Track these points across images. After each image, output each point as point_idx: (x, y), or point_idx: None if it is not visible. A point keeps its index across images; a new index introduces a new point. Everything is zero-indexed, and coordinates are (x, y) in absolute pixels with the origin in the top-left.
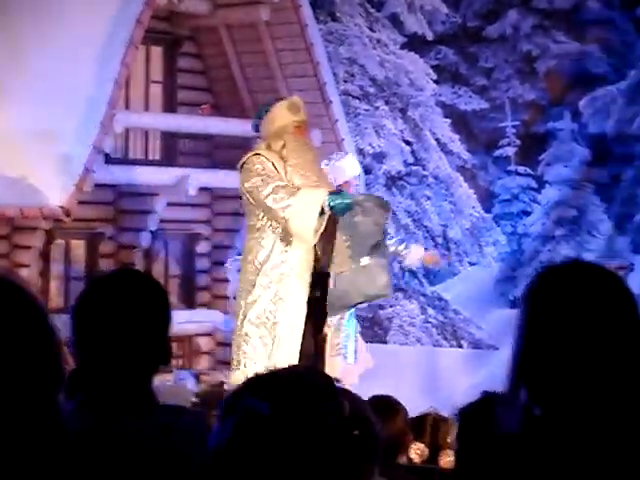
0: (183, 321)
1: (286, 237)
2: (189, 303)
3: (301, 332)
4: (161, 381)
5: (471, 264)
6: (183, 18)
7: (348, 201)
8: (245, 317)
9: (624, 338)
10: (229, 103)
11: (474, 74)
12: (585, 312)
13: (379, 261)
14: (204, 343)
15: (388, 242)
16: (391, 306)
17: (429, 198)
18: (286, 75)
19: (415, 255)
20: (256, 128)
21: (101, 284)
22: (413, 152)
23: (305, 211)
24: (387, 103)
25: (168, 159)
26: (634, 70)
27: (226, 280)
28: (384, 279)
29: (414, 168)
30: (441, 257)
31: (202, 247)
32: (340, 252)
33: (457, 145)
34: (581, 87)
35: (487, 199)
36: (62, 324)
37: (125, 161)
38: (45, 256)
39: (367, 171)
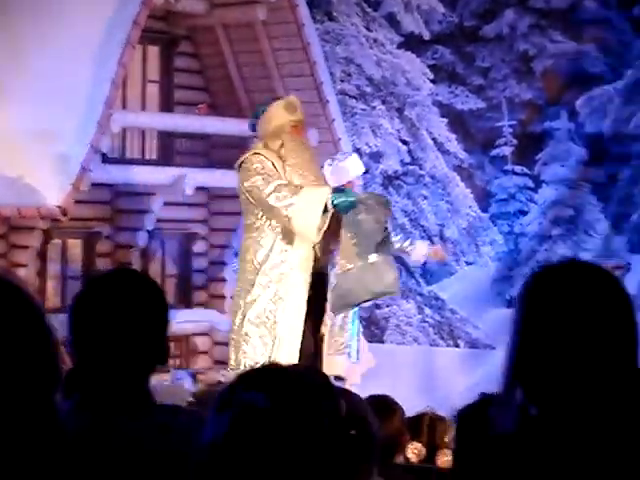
0: (180, 321)
1: (287, 236)
2: (186, 302)
3: (301, 331)
4: (158, 381)
5: (468, 263)
6: (180, 18)
7: (352, 199)
8: (244, 317)
9: (619, 337)
10: (226, 102)
11: (471, 74)
12: (580, 312)
13: (386, 258)
14: (201, 343)
15: (393, 239)
16: (388, 306)
17: (426, 197)
18: (283, 75)
19: (420, 251)
20: (253, 127)
21: (98, 284)
22: (410, 151)
23: (309, 209)
24: (384, 103)
25: (165, 158)
26: (631, 70)
27: (223, 279)
28: (392, 276)
29: (411, 167)
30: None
31: (199, 246)
32: (346, 249)
33: (454, 145)
34: (578, 87)
35: (484, 198)
36: (59, 323)
37: (122, 160)
38: (42, 256)
39: (364, 171)
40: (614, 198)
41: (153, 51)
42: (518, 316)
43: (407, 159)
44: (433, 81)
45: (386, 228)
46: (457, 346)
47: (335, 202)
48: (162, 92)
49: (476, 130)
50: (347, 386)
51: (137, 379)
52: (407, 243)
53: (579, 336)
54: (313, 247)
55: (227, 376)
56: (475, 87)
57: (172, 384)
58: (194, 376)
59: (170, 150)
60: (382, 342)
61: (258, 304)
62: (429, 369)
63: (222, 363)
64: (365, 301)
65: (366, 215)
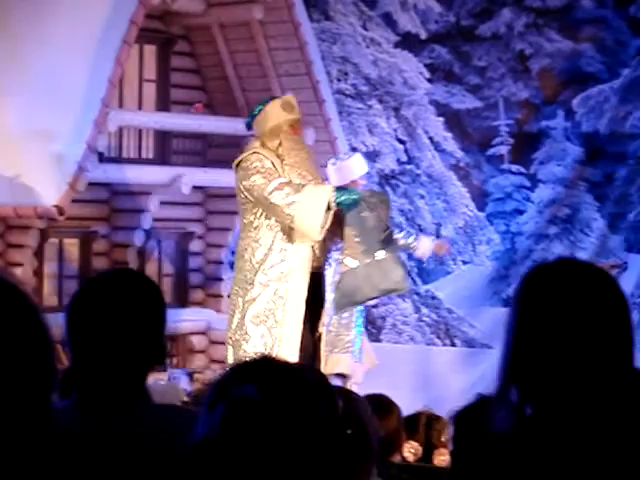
0: (176, 320)
1: (287, 235)
2: (182, 302)
3: (301, 330)
4: (154, 380)
5: (464, 263)
6: (176, 17)
7: (355, 197)
8: (244, 316)
9: (614, 336)
10: (222, 102)
11: (467, 73)
12: (575, 311)
13: (394, 255)
14: (197, 342)
15: (397, 236)
16: (384, 305)
17: (422, 197)
18: (279, 74)
19: (425, 246)
20: (249, 126)
21: (96, 283)
22: (406, 151)
23: (312, 207)
24: (380, 102)
25: (161, 158)
26: (627, 69)
27: (220, 279)
28: (400, 273)
29: (407, 167)
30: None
31: (195, 246)
32: (351, 247)
33: (450, 144)
34: (574, 86)
35: (480, 198)
36: (56, 323)
37: (119, 160)
38: (39, 255)
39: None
40: (610, 197)
41: (150, 50)
42: (513, 315)
43: (404, 158)
44: (430, 80)
45: (387, 226)
46: (454, 345)
47: (338, 200)
48: (159, 91)
49: (473, 129)
50: (350, 384)
51: (134, 378)
52: (411, 239)
53: (574, 335)
54: (312, 246)
55: None
56: (472, 86)
57: (167, 383)
58: (191, 375)
59: (167, 149)
60: (379, 341)
61: (258, 303)
62: (426, 368)
63: (219, 362)
64: (371, 299)
65: (369, 213)
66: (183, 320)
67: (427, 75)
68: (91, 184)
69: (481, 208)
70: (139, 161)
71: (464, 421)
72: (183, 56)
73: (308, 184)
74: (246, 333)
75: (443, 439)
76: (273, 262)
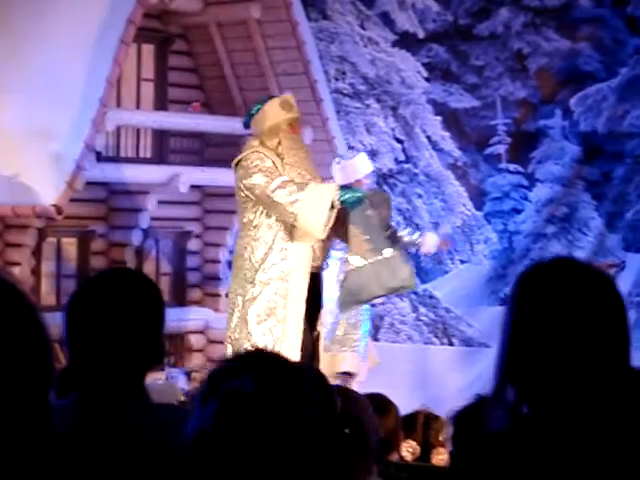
0: (174, 319)
1: (287, 233)
2: (180, 301)
3: (302, 329)
4: (152, 379)
5: (462, 262)
6: (174, 16)
7: (359, 195)
8: (245, 315)
9: (610, 335)
10: (220, 101)
11: (465, 72)
12: (571, 310)
13: (401, 253)
14: (195, 341)
15: (401, 233)
16: (382, 304)
17: (420, 196)
18: (277, 73)
19: (431, 242)
20: (246, 125)
21: (95, 282)
22: (404, 150)
23: (316, 206)
24: (378, 101)
25: (159, 157)
26: (625, 68)
27: (217, 278)
28: (408, 270)
29: (405, 166)
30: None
31: (193, 245)
32: (356, 246)
33: (448, 143)
34: (572, 85)
35: (478, 197)
36: (54, 322)
37: (116, 159)
38: (37, 254)
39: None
40: (608, 196)
41: (148, 49)
42: (509, 315)
43: (401, 157)
44: (427, 79)
45: (390, 224)
46: (451, 344)
47: (342, 198)
48: (156, 90)
49: (470, 128)
50: (354, 382)
51: (133, 378)
52: (416, 235)
53: (570, 334)
54: (312, 245)
55: None
56: (469, 85)
57: (164, 382)
58: (188, 374)
59: (164, 148)
60: (376, 340)
61: (258, 302)
62: (423, 367)
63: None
64: (378, 297)
65: (373, 211)
66: (181, 319)
67: (425, 74)
68: (89, 183)
69: (479, 207)
70: (137, 160)
71: (463, 421)
72: (181, 55)
73: (311, 182)
74: (248, 332)
75: (441, 438)
76: (274, 261)
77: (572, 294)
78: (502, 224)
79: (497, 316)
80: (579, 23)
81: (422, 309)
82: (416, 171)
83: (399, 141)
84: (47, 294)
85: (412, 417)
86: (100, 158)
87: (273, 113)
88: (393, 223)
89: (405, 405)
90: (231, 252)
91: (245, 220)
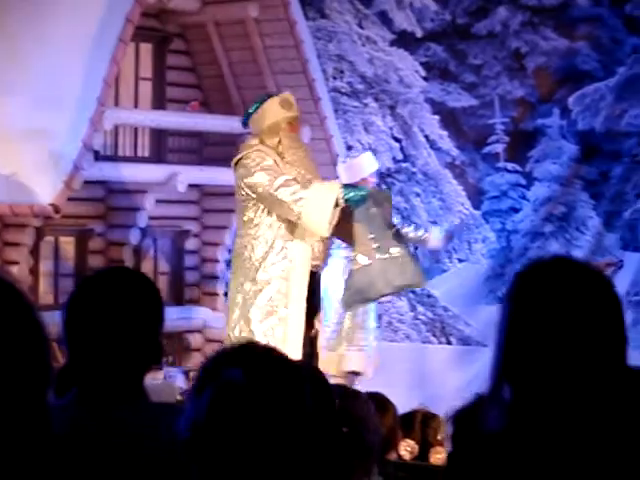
0: (172, 318)
1: (288, 232)
2: (178, 300)
3: (303, 328)
4: (150, 378)
5: (460, 261)
6: (172, 15)
7: (363, 193)
8: (247, 313)
9: (607, 334)
10: (218, 100)
11: (463, 71)
12: (567, 309)
13: (408, 251)
14: (194, 340)
15: (406, 229)
16: (380, 303)
17: (418, 195)
18: (275, 72)
19: (437, 237)
20: (245, 123)
21: (94, 281)
22: (402, 149)
23: (320, 204)
24: (376, 100)
25: (157, 156)
26: (623, 67)
27: (215, 277)
28: (417, 268)
29: (403, 165)
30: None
31: (191, 244)
32: (362, 244)
33: (446, 142)
34: (570, 84)
35: (476, 196)
36: (52, 321)
37: (114, 158)
38: (35, 253)
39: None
40: (606, 195)
41: (145, 49)
42: (505, 313)
43: (399, 156)
44: (425, 78)
45: (393, 223)
46: (449, 343)
47: (347, 196)
48: (154, 89)
49: (468, 127)
50: (359, 381)
51: (132, 377)
52: (421, 232)
53: (566, 333)
54: (311, 244)
55: None
56: (467, 84)
57: (163, 382)
58: (186, 374)
59: (162, 148)
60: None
61: (260, 300)
62: (421, 366)
63: None
64: (385, 295)
65: (377, 209)
66: (179, 318)
67: (423, 73)
68: (87, 182)
69: (477, 206)
70: (135, 159)
71: (462, 420)
72: (179, 54)
73: (315, 181)
74: (250, 330)
75: (439, 437)
76: (274, 260)
77: (568, 293)
78: (500, 223)
79: (495, 315)
80: (577, 22)
81: (420, 308)
82: (414, 170)
83: (397, 140)
84: (45, 293)
85: (410, 416)
86: (98, 157)
87: (273, 112)
88: (397, 220)
89: (403, 404)
90: (229, 251)
91: (245, 219)
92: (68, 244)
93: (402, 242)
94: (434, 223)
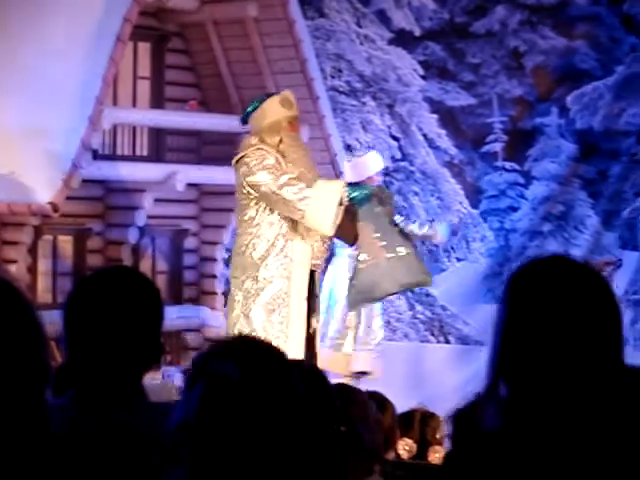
0: (171, 317)
1: (289, 231)
2: (177, 299)
3: (305, 327)
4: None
5: (458, 260)
6: (170, 14)
7: (367, 192)
8: (248, 312)
9: (603, 332)
10: (217, 99)
11: (461, 70)
12: (564, 307)
13: (415, 250)
14: (192, 339)
15: (411, 227)
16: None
17: (416, 194)
18: (274, 71)
19: (443, 231)
20: (244, 121)
21: (93, 280)
22: (400, 148)
23: (324, 203)
24: (374, 99)
25: (156, 155)
26: (621, 66)
27: (214, 276)
28: (424, 267)
29: (401, 164)
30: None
31: (190, 243)
32: (368, 243)
33: (444, 141)
34: (568, 83)
35: (474, 195)
36: (50, 320)
37: (113, 157)
38: (33, 252)
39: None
40: (605, 194)
41: (144, 48)
42: (502, 312)
43: (398, 155)
44: (424, 77)
45: (395, 222)
46: (448, 342)
47: (351, 195)
48: (153, 89)
49: (466, 126)
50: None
51: (131, 376)
52: (426, 227)
53: (563, 332)
54: (311, 244)
55: None
56: (465, 83)
57: (160, 382)
58: (185, 373)
59: (161, 147)
60: None
61: (260, 299)
62: (420, 365)
63: None
64: (391, 294)
65: (381, 208)
66: (177, 317)
67: (421, 72)
68: (85, 181)
69: (475, 205)
70: (133, 158)
71: (462, 420)
72: (177, 53)
73: (319, 180)
74: (252, 329)
75: (438, 436)
76: (275, 258)
77: (565, 292)
78: (498, 222)
79: (493, 314)
80: (575, 21)
81: (418, 307)
82: (412, 169)
83: (395, 139)
84: (43, 292)
85: (409, 415)
86: (96, 156)
87: (273, 110)
88: (402, 217)
89: (402, 403)
90: (227, 250)
91: (246, 217)
92: (66, 243)
93: (408, 240)
94: (432, 222)
